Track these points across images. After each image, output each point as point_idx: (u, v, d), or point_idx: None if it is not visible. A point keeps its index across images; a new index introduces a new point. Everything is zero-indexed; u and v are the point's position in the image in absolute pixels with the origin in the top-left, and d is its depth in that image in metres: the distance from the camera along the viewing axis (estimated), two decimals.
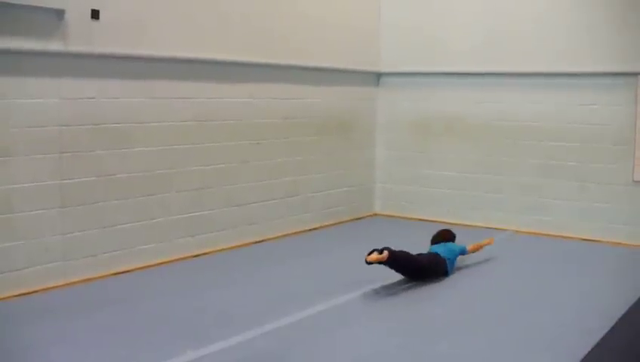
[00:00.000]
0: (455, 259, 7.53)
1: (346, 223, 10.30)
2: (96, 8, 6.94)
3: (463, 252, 7.67)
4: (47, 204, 6.72)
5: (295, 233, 9.45)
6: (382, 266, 6.76)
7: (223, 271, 7.57)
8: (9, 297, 6.41)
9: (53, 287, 6.75)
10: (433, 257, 7.24)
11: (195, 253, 8.11)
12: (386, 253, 6.59)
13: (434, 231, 7.92)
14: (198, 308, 6.35)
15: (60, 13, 6.65)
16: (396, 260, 6.74)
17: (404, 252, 6.89)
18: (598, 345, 5.53)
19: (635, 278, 7.49)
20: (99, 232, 7.17)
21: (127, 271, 7.38)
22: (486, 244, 7.98)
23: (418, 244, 7.53)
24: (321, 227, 9.89)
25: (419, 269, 7.05)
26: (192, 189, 8.07)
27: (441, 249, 7.47)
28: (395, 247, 6.91)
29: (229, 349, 5.37)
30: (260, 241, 8.90)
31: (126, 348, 5.38)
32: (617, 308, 6.41)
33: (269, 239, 9.04)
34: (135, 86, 7.40)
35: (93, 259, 7.13)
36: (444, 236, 7.80)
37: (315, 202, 9.86)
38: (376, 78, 10.89)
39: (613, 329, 5.91)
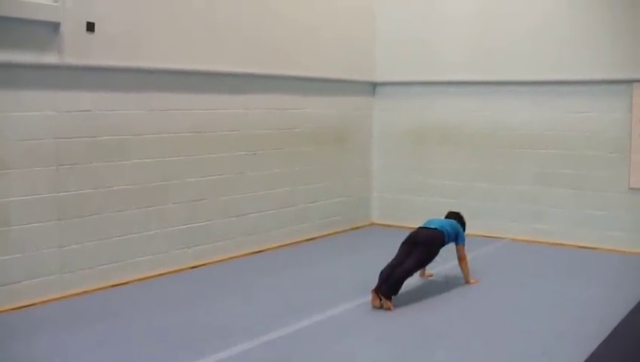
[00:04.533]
0: (454, 233, 7.39)
1: (343, 233, 10.30)
2: (91, 21, 6.95)
3: (459, 240, 7.46)
4: (44, 216, 6.72)
5: (292, 243, 9.44)
6: (377, 276, 6.76)
7: (221, 283, 7.57)
8: (6, 310, 6.40)
9: (50, 300, 6.74)
10: (424, 247, 7.07)
11: (192, 265, 8.11)
12: (389, 304, 6.61)
13: None
14: (196, 319, 6.34)
15: (55, 26, 6.67)
16: (397, 288, 6.76)
17: (397, 271, 6.82)
18: (595, 353, 5.53)
19: (632, 285, 7.50)
20: (96, 244, 7.17)
21: (125, 283, 7.38)
22: (467, 276, 7.70)
23: None
24: (318, 237, 9.89)
25: (416, 269, 7.06)
26: (188, 201, 8.08)
27: (443, 224, 7.42)
28: (392, 257, 6.95)
29: (227, 360, 5.36)
30: (257, 252, 8.90)
31: (123, 361, 5.38)
32: (614, 316, 6.41)
33: (267, 249, 9.04)
34: (131, 98, 7.41)
35: (90, 271, 7.13)
36: (457, 218, 7.76)
37: (312, 212, 9.87)
38: (372, 87, 10.91)
39: (610, 336, 5.92)
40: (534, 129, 9.63)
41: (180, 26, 7.87)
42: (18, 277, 6.55)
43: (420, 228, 7.40)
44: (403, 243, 7.19)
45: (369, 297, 6.74)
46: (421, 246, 7.06)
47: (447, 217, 7.81)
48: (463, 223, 7.74)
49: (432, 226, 7.34)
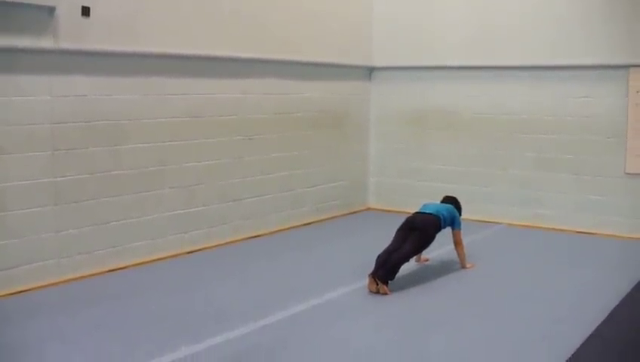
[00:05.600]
0: (450, 218, 7.39)
1: (340, 218, 10.31)
2: (86, 5, 6.91)
3: (456, 224, 7.47)
4: (41, 201, 6.71)
5: (289, 228, 9.45)
6: (375, 261, 6.77)
7: (217, 267, 7.57)
8: (4, 295, 6.40)
9: (47, 285, 6.74)
10: (421, 232, 7.07)
11: (189, 250, 8.11)
12: (386, 289, 6.63)
13: None
14: (193, 304, 6.35)
15: (50, 10, 6.63)
16: (394, 273, 6.77)
17: (394, 256, 6.82)
18: (592, 336, 5.55)
19: (629, 270, 7.51)
20: (93, 229, 7.16)
21: (122, 268, 7.38)
22: (464, 261, 7.70)
23: None
24: (315, 222, 9.90)
25: (413, 254, 7.07)
26: (185, 185, 8.07)
27: (439, 208, 7.41)
28: (389, 241, 6.96)
29: (224, 344, 5.37)
30: (254, 237, 8.90)
31: (121, 345, 5.38)
32: (611, 300, 6.43)
33: (263, 234, 9.05)
34: (127, 82, 7.38)
35: (87, 256, 7.12)
36: (453, 202, 7.75)
37: (309, 197, 9.87)
38: (369, 72, 10.89)
39: (607, 320, 5.94)
40: (532, 113, 9.61)
41: (176, 10, 7.83)
42: (15, 262, 6.55)
43: (416, 213, 7.40)
44: (400, 229, 7.19)
45: (366, 281, 6.75)
46: (418, 231, 7.06)
47: (442, 202, 7.81)
48: (458, 208, 7.73)
49: (428, 211, 7.34)
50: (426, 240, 7.12)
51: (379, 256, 6.83)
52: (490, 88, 9.92)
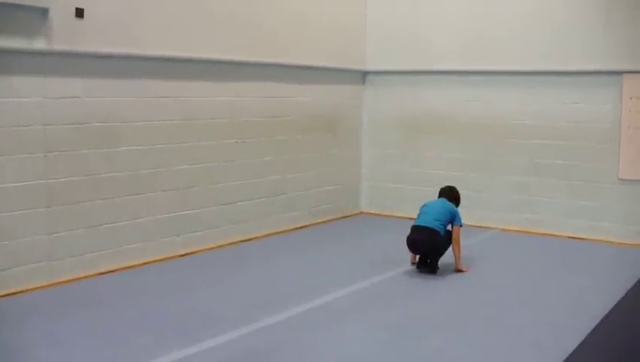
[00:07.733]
0: (450, 218, 7.48)
1: (333, 222, 10.29)
2: (80, 7, 6.88)
3: (456, 221, 7.52)
4: (33, 203, 6.67)
5: (282, 232, 9.42)
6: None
7: (210, 271, 7.55)
8: None
9: (38, 287, 6.70)
10: (427, 243, 7.37)
11: (181, 253, 8.08)
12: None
13: None
14: (185, 307, 6.32)
15: (43, 12, 6.60)
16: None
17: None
18: (584, 343, 5.55)
19: (621, 275, 7.51)
20: (84, 232, 7.13)
21: (113, 271, 7.34)
22: (459, 262, 7.71)
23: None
24: (307, 225, 9.88)
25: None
26: (178, 188, 8.04)
27: (437, 214, 7.48)
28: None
29: (217, 348, 5.35)
30: (246, 240, 8.88)
31: (112, 349, 5.35)
32: (603, 306, 6.43)
33: (256, 238, 9.02)
34: (120, 85, 7.35)
35: (78, 258, 7.09)
36: (451, 195, 7.87)
37: (302, 201, 9.85)
38: (362, 76, 10.88)
39: (599, 326, 5.93)
40: (525, 119, 9.62)
41: (170, 12, 7.81)
42: (6, 264, 6.51)
43: (414, 231, 7.45)
44: (412, 250, 7.50)
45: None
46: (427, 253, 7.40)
47: (440, 195, 7.89)
48: (457, 199, 7.84)
49: (423, 225, 7.39)
50: (438, 252, 7.42)
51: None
52: (483, 93, 9.92)
